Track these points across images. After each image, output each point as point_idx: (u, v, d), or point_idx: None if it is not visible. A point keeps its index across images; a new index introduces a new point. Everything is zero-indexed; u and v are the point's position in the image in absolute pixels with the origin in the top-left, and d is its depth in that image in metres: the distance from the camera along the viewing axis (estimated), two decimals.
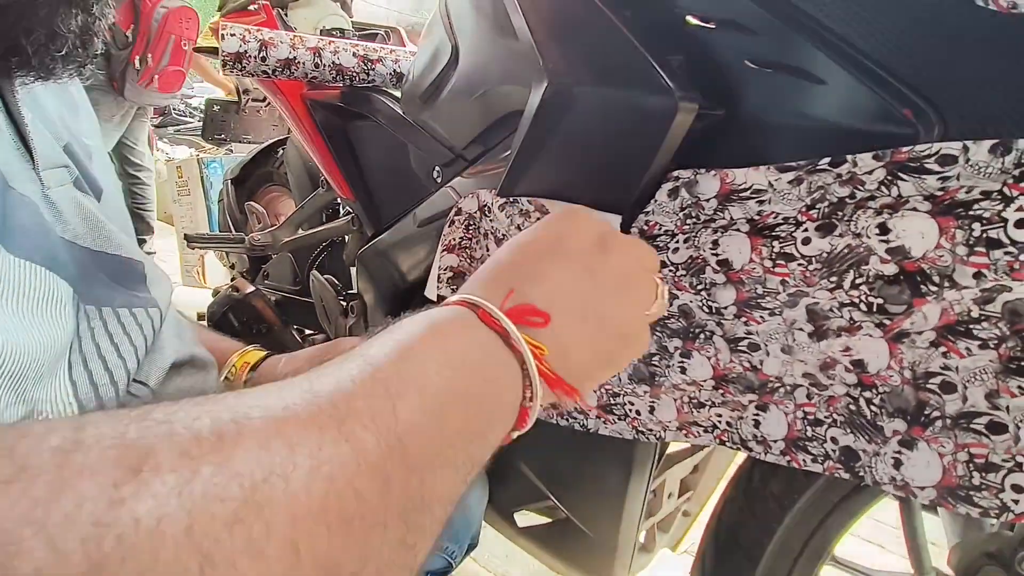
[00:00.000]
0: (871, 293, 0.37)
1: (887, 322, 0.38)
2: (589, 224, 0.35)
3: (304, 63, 0.92)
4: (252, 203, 1.26)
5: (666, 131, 0.43)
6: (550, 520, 0.77)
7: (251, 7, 1.21)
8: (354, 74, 0.96)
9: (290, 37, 0.91)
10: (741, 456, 0.80)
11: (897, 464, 0.39)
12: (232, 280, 1.32)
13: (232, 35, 0.87)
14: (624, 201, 0.48)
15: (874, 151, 0.36)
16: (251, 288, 1.09)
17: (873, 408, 0.40)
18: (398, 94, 0.97)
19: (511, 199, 0.59)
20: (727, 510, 0.58)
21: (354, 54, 0.95)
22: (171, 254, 2.96)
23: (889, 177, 0.36)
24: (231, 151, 2.74)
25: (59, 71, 0.33)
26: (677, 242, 0.45)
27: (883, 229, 0.36)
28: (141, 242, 2.75)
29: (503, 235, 0.60)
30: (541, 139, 0.52)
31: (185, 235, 1.16)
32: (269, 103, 2.04)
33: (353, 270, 1.07)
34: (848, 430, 0.41)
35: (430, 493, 0.23)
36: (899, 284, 0.36)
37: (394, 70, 0.98)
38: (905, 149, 0.35)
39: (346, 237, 1.14)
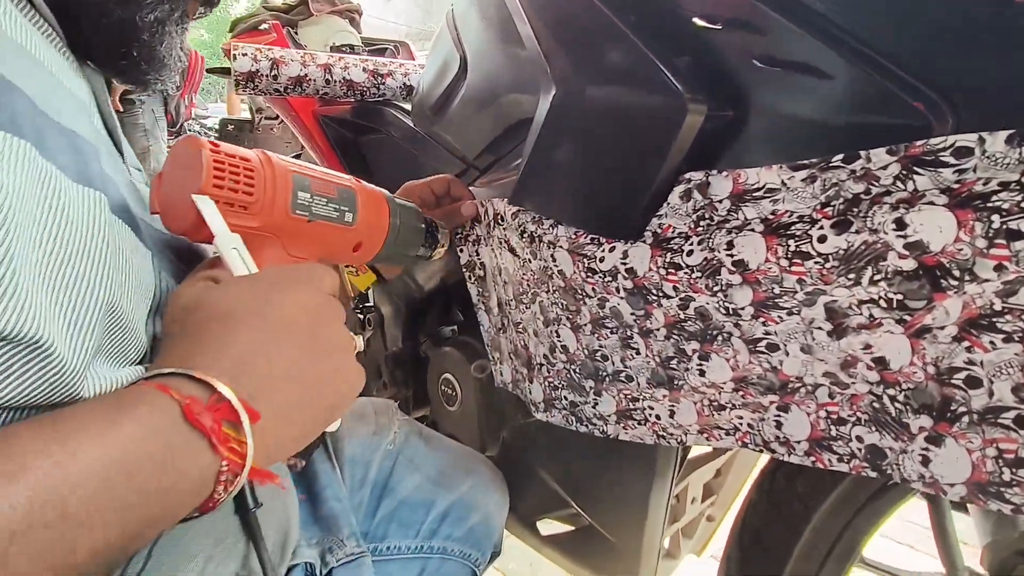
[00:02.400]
0: (890, 289, 0.37)
1: (908, 318, 0.37)
2: (307, 296, 0.35)
3: (315, 80, 0.93)
4: None
5: (676, 134, 0.43)
6: (573, 528, 0.77)
7: (261, 27, 1.23)
8: (365, 89, 0.97)
9: (301, 55, 0.93)
10: (764, 459, 0.79)
11: (925, 461, 0.38)
12: None
13: (244, 55, 0.89)
14: (636, 205, 0.48)
15: (888, 146, 0.36)
16: None
17: (898, 405, 0.39)
18: (408, 107, 0.98)
19: (523, 208, 0.59)
20: (751, 512, 0.57)
21: (364, 69, 0.96)
22: None
23: (904, 172, 0.35)
24: None
25: (152, 84, 0.42)
26: (691, 244, 0.45)
27: (900, 224, 0.36)
28: None
29: (514, 246, 0.60)
30: (551, 146, 0.52)
31: None
32: (283, 121, 2.07)
33: None
34: (873, 428, 0.41)
35: (75, 542, 0.24)
36: (919, 279, 0.36)
37: (404, 83, 0.99)
38: (919, 143, 0.34)
39: None
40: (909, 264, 0.36)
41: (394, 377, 0.99)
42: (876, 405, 0.40)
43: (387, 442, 0.63)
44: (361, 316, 1.06)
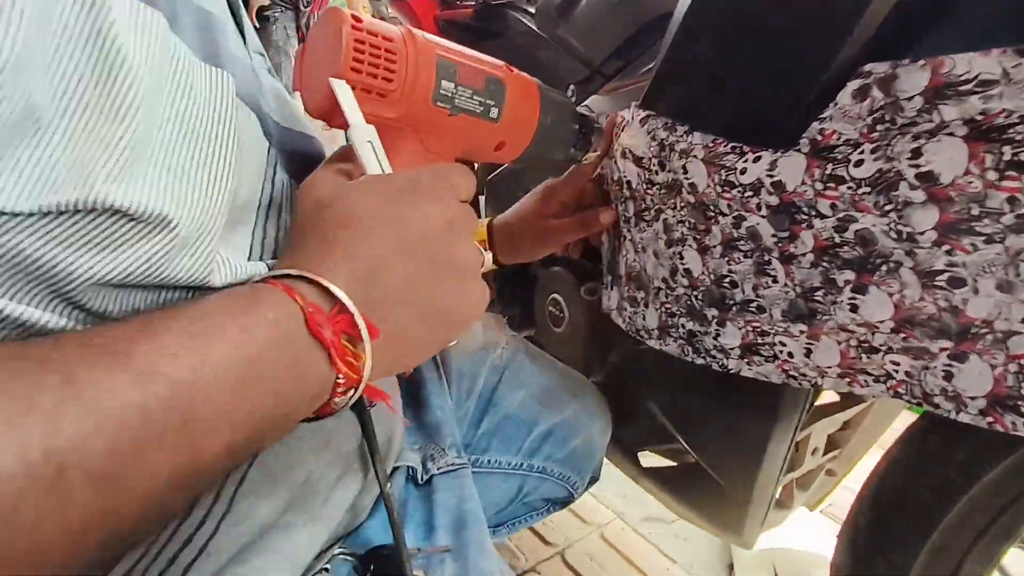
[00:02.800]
0: None
1: None
2: (441, 208, 0.32)
3: None
4: None
5: (862, 10, 0.35)
6: (676, 464, 0.73)
7: None
8: None
9: None
10: (905, 417, 0.70)
11: None
12: None
13: None
14: (795, 106, 0.40)
15: None
16: None
17: None
18: (533, 9, 0.91)
19: (654, 113, 0.52)
20: (893, 472, 0.50)
21: None
22: None
23: None
24: None
25: None
26: (862, 153, 0.38)
27: None
28: None
29: (640, 155, 0.54)
30: (696, 34, 0.45)
31: None
32: None
33: (481, 199, 1.05)
34: None
35: (203, 443, 0.23)
36: None
37: None
38: None
39: (477, 166, 1.12)
40: None
41: (502, 294, 0.97)
42: None
43: (494, 356, 0.62)
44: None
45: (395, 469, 0.46)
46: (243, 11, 0.41)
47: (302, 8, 2.96)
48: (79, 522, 0.20)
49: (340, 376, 0.27)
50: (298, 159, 0.40)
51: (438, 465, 0.47)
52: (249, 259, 0.34)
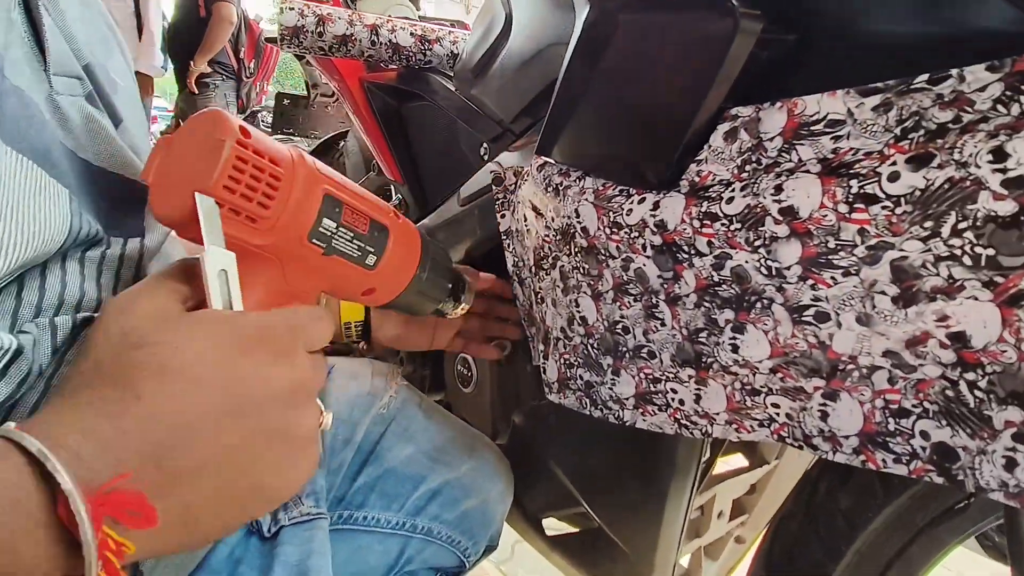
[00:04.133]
0: (978, 241, 0.29)
1: (999, 280, 0.29)
2: (289, 369, 0.28)
3: (361, 40, 0.91)
4: None
5: (723, 57, 0.37)
6: (581, 529, 0.70)
7: None
8: (411, 54, 0.94)
9: (348, 14, 0.90)
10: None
11: (1011, 465, 0.30)
12: None
13: (291, 9, 0.87)
14: (671, 148, 0.41)
15: (988, 61, 0.28)
16: None
17: (978, 393, 0.31)
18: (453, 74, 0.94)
19: (549, 159, 0.53)
20: (785, 527, 0.49)
21: (411, 33, 0.93)
22: None
23: (1008, 92, 0.28)
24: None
25: None
26: (733, 191, 0.39)
27: (998, 155, 0.28)
28: None
29: (540, 199, 0.55)
30: (580, 80, 0.47)
31: None
32: (337, 98, 2.09)
33: None
34: (944, 422, 0.33)
35: None
36: (1017, 228, 0.28)
37: (452, 51, 0.95)
38: None
39: None
40: (1007, 207, 0.28)
41: (412, 355, 0.94)
42: (949, 393, 0.32)
43: (380, 405, 0.58)
44: (355, 342, 0.97)
45: None
46: (51, 30, 0.33)
47: (244, 79, 3.00)
48: None
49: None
50: (115, 205, 0.34)
51: (290, 515, 0.42)
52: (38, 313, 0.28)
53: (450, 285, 0.54)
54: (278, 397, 0.27)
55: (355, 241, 0.40)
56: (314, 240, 0.37)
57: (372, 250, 0.42)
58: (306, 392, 0.29)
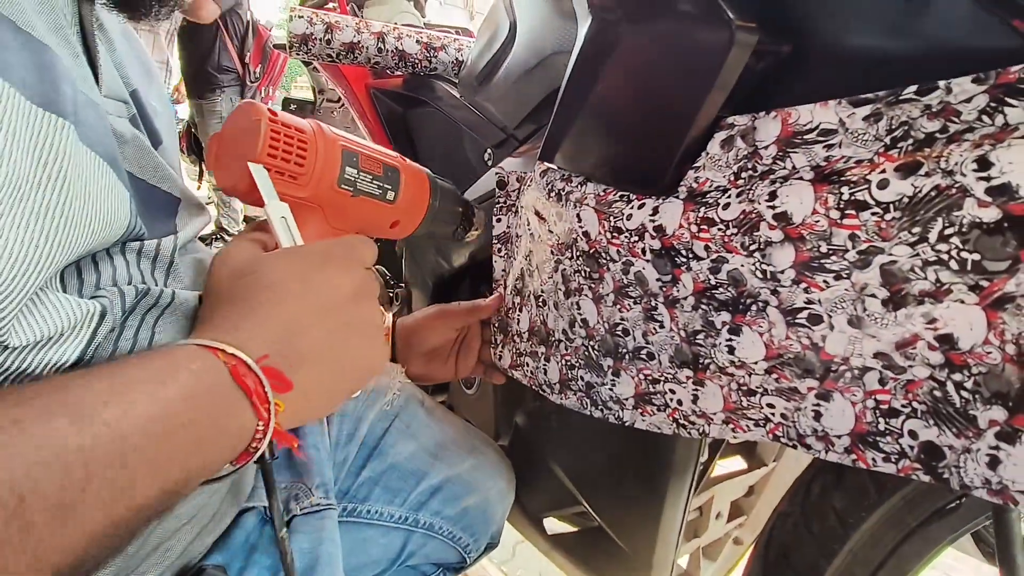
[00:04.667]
0: (964, 247, 0.31)
1: (984, 283, 0.30)
2: (350, 276, 0.37)
3: (367, 47, 0.92)
4: None
5: (719, 68, 0.38)
6: (581, 528, 0.71)
7: (328, 5, 1.25)
8: (416, 61, 0.95)
9: (356, 22, 0.92)
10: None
11: (994, 463, 0.31)
12: None
13: (300, 17, 0.89)
14: (670, 155, 0.43)
15: (973, 74, 0.30)
16: None
17: (964, 394, 0.32)
18: (457, 81, 0.96)
19: (552, 165, 0.55)
20: (780, 526, 0.50)
21: (417, 41, 0.95)
22: None
23: (993, 104, 0.29)
24: None
25: (141, 9, 0.37)
26: (729, 197, 0.40)
27: (983, 164, 0.29)
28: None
29: (543, 204, 0.56)
30: (583, 89, 0.48)
31: (246, 216, 1.19)
32: (343, 105, 2.10)
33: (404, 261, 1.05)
34: (931, 422, 0.34)
35: (137, 481, 0.25)
36: (1001, 234, 0.29)
37: (456, 59, 0.97)
38: (1015, 69, 0.28)
39: None
40: (991, 214, 0.29)
41: None
42: (937, 394, 0.34)
43: (384, 402, 0.59)
44: (391, 293, 1.04)
45: (246, 510, 0.42)
46: (101, 53, 0.36)
47: (249, 83, 3.01)
48: (36, 552, 0.21)
49: (260, 423, 0.30)
50: (151, 211, 0.38)
51: (301, 505, 0.44)
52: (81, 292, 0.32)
53: (461, 210, 0.61)
54: (345, 296, 0.35)
55: (374, 182, 0.49)
56: (342, 186, 0.47)
57: (390, 187, 0.51)
58: (367, 293, 0.37)
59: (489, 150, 0.80)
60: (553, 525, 0.75)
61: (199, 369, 0.28)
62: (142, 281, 0.34)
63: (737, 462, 0.75)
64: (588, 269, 0.52)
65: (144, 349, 0.33)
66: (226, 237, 3.25)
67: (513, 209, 0.65)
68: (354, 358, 0.36)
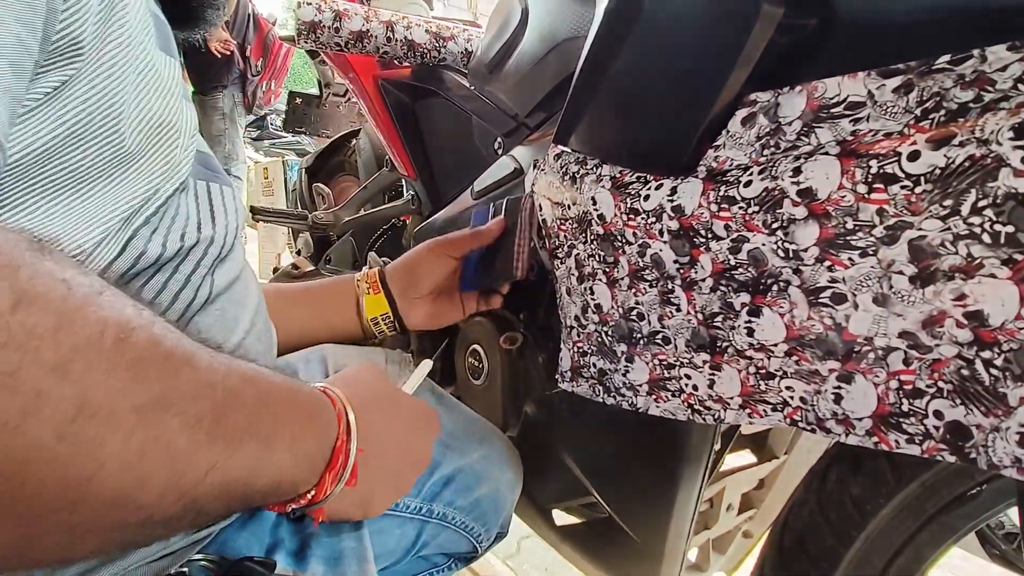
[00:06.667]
0: (998, 219, 0.30)
1: (1019, 257, 0.30)
2: (427, 442, 0.47)
3: (376, 36, 0.92)
4: (319, 184, 1.28)
5: (743, 43, 0.38)
6: (590, 520, 0.70)
7: None
8: (425, 51, 0.95)
9: (365, 10, 0.91)
10: None
11: None
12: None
13: (308, 4, 0.88)
14: (690, 134, 0.42)
15: (1009, 42, 0.29)
16: (310, 267, 1.09)
17: (994, 372, 0.32)
18: (467, 70, 0.95)
19: (567, 148, 0.54)
20: (796, 513, 0.49)
21: (427, 30, 0.94)
22: (251, 256, 3.11)
23: None
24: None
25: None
26: (751, 174, 0.39)
27: (1020, 131, 0.29)
28: None
29: (557, 188, 0.55)
30: (600, 68, 0.48)
31: (251, 207, 1.19)
32: (349, 97, 2.10)
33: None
34: (958, 401, 0.33)
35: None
36: None
37: (466, 48, 0.96)
38: None
39: (408, 221, 1.12)
40: None
41: (422, 347, 0.95)
42: (965, 372, 0.33)
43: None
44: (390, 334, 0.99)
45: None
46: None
47: (250, 77, 3.01)
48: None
49: (314, 491, 0.35)
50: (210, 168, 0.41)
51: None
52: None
53: None
54: (415, 442, 0.46)
55: None
56: None
57: None
58: (429, 442, 0.48)
59: (499, 139, 0.79)
60: (561, 517, 0.74)
61: (326, 422, 0.35)
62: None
63: (747, 455, 0.74)
64: (603, 253, 0.52)
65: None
66: None
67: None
68: (405, 477, 0.45)
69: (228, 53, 2.90)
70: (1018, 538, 1.16)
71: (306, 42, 0.91)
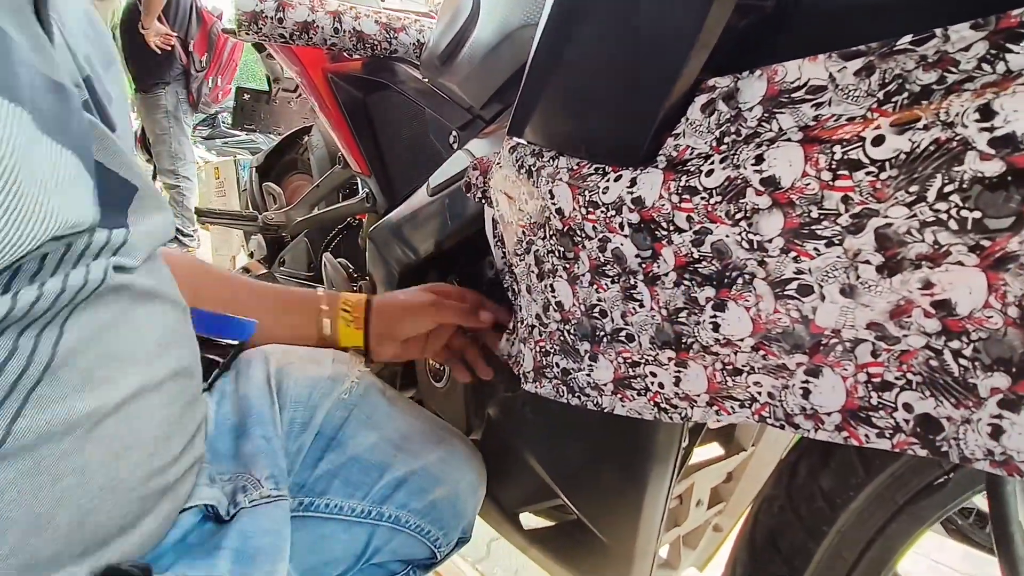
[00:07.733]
0: (964, 204, 0.29)
1: (986, 243, 0.29)
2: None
3: (323, 27, 0.88)
4: (270, 184, 1.23)
5: (700, 26, 0.36)
6: (559, 522, 0.68)
7: None
8: (376, 42, 0.91)
9: (309, 0, 0.88)
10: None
11: (996, 433, 0.30)
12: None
13: None
14: (649, 123, 0.40)
15: (972, 20, 0.28)
16: (263, 270, 1.04)
17: (963, 362, 0.31)
18: (419, 63, 0.92)
19: (522, 140, 0.52)
20: (766, 509, 0.48)
21: (376, 21, 0.91)
22: (205, 258, 3.01)
23: (993, 51, 0.27)
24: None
25: None
26: (712, 163, 0.38)
27: (985, 113, 0.28)
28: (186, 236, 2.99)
29: (513, 182, 0.53)
30: (553, 55, 0.45)
31: (196, 209, 1.13)
32: (300, 93, 2.03)
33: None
34: (927, 393, 0.32)
35: None
36: (1004, 189, 0.28)
37: (418, 40, 0.93)
38: (1016, 13, 0.27)
39: (363, 220, 1.09)
40: (994, 167, 0.28)
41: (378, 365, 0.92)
42: (933, 363, 0.32)
43: (341, 391, 0.56)
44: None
45: (184, 511, 0.39)
46: (55, 35, 0.35)
47: (194, 73, 2.90)
48: None
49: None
50: (114, 199, 0.37)
51: (250, 497, 0.41)
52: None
53: None
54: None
55: None
56: None
57: None
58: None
59: (455, 132, 0.76)
60: (529, 521, 0.72)
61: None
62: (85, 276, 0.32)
63: (715, 448, 0.73)
64: (562, 249, 0.50)
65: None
66: (180, 238, 3.13)
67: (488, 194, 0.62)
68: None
69: (169, 48, 2.77)
70: (973, 512, 1.20)
71: (248, 34, 0.87)
